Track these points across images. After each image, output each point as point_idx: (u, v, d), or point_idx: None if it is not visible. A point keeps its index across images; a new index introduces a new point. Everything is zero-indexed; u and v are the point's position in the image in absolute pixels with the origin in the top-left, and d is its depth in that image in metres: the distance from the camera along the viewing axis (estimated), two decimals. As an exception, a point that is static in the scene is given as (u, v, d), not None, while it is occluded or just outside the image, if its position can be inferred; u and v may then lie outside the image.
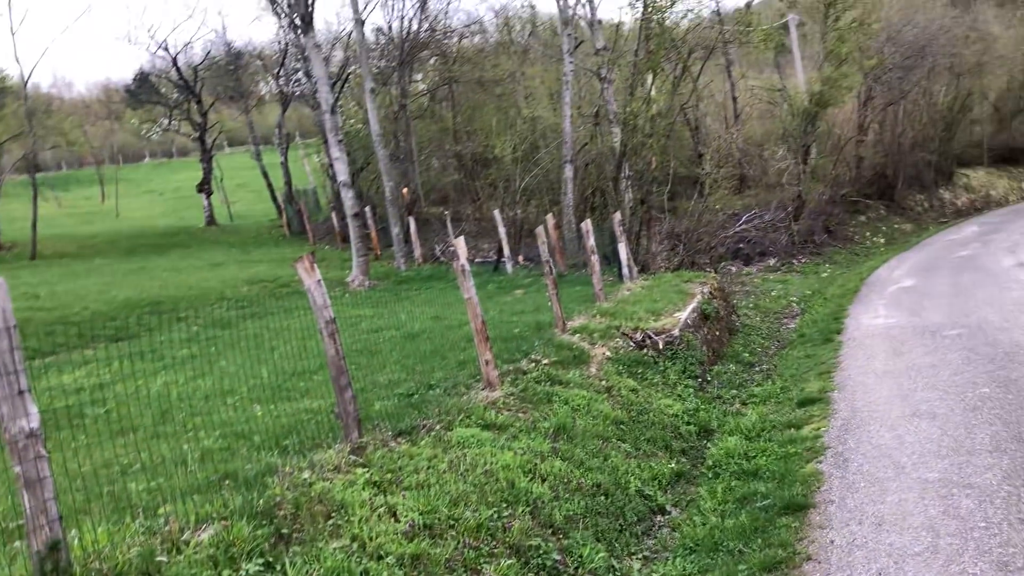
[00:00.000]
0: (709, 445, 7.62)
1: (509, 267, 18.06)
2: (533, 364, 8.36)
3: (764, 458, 6.32)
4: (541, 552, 4.78)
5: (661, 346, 9.92)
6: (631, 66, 16.19)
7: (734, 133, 26.01)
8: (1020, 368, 7.49)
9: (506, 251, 18.24)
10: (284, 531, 4.11)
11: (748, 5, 29.09)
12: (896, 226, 32.33)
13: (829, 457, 6.03)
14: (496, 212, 18.32)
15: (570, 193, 20.10)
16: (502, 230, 18.07)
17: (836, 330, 11.89)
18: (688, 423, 8.12)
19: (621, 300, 12.24)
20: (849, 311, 13.68)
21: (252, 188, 47.04)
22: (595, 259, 12.23)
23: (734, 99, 32.82)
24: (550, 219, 15.55)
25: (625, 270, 14.50)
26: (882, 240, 29.88)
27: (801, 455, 6.23)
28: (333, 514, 4.40)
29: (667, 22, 16.19)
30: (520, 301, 13.88)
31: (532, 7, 33.51)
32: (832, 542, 4.51)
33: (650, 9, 15.62)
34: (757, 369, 11.24)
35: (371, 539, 4.25)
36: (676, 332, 10.19)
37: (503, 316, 11.40)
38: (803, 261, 25.04)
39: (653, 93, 16.58)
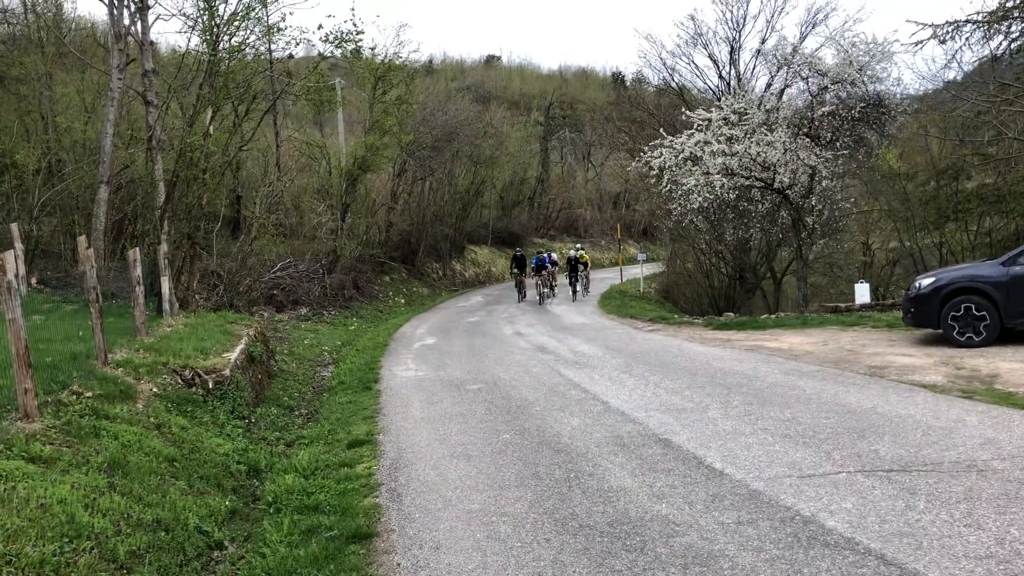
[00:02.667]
0: (259, 483, 7.77)
1: (23, 289, 16.16)
2: (75, 397, 7.78)
3: (324, 494, 6.68)
4: (109, 589, 4.57)
5: (211, 385, 9.80)
6: (195, 97, 15.82)
7: (285, 181, 26.41)
8: (529, 419, 8.89)
9: (21, 271, 16.31)
10: None
11: (290, 56, 29.42)
12: (415, 289, 35.30)
13: (384, 492, 6.59)
14: (14, 226, 16.34)
15: (103, 216, 18.68)
16: (19, 246, 16.15)
17: (373, 379, 12.77)
18: (239, 462, 8.17)
19: (164, 336, 11.79)
20: (382, 363, 14.75)
21: None
22: (140, 290, 11.65)
23: (277, 147, 33.34)
24: (83, 241, 14.37)
25: (166, 305, 13.97)
26: (403, 300, 32.38)
27: (358, 491, 6.71)
28: None
29: (234, 63, 16.13)
30: (42, 328, 12.54)
31: (59, 6, 30.41)
32: (399, 565, 5.01)
33: (222, 49, 15.50)
34: (297, 413, 11.60)
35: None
36: (227, 372, 10.15)
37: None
38: (333, 313, 26.10)
39: (212, 129, 16.34)
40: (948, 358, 11.16)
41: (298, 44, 18.63)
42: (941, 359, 11.14)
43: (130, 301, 12.77)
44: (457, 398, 10.56)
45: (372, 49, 28.08)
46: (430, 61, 78.97)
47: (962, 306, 12.07)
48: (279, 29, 16.82)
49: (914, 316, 12.91)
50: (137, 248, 11.78)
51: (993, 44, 19.91)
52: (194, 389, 9.64)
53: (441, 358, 14.86)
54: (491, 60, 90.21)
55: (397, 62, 29.05)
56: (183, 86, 17.36)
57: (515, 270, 30.18)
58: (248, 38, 16.03)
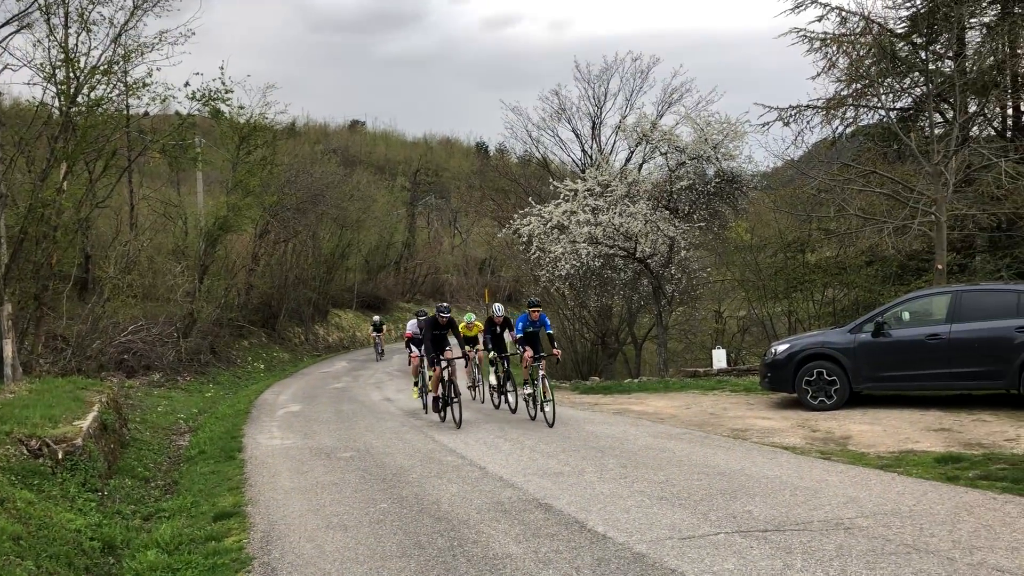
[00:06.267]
0: (115, 561, 7.27)
1: None
2: (-96, 470, 7.08)
3: (191, 571, 6.28)
4: None
5: (60, 456, 9.13)
6: (48, 151, 14.99)
7: (143, 241, 25.27)
8: (406, 487, 8.70)
9: None
10: None
11: (146, 113, 28.05)
12: (275, 354, 34.26)
13: (257, 567, 6.26)
14: None
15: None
16: None
17: (236, 448, 12.21)
18: (92, 538, 7.62)
19: (7, 403, 10.96)
20: (245, 431, 14.15)
21: None
22: (-19, 354, 10.80)
23: (131, 206, 31.94)
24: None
25: (8, 370, 13.01)
26: (262, 366, 31.34)
27: (229, 566, 6.35)
28: None
29: (93, 117, 15.43)
30: None
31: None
32: (279, 644, 4.75)
33: (80, 102, 14.81)
34: (154, 484, 10.97)
35: None
36: (79, 442, 9.49)
37: None
38: (188, 379, 24.93)
39: (66, 185, 15.50)
40: (804, 421, 11.73)
41: (164, 101, 17.86)
42: (797, 422, 11.69)
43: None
44: (328, 467, 10.23)
45: (240, 108, 27.55)
46: (293, 123, 77.97)
47: (814, 371, 12.76)
48: (145, 84, 16.25)
49: (771, 381, 13.53)
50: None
51: (831, 128, 21.62)
52: (41, 460, 8.95)
53: (308, 425, 14.40)
54: (355, 125, 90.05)
55: (263, 122, 28.58)
56: (33, 138, 16.43)
57: (433, 353, 13.60)
58: (110, 93, 15.42)
